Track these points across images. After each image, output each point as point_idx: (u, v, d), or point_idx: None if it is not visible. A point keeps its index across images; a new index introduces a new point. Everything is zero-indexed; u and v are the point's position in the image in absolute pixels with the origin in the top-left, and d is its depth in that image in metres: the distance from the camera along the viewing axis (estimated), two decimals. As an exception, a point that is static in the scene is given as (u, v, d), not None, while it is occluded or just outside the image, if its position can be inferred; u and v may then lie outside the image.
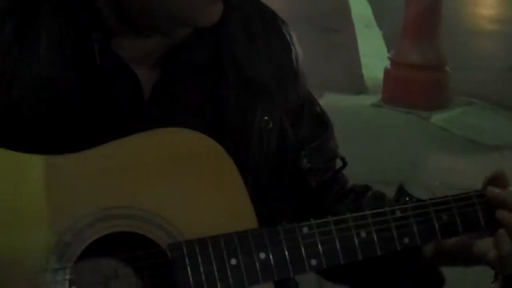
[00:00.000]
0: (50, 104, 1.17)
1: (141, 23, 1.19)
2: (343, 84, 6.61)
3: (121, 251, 1.12)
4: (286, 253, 1.14)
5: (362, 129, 5.19)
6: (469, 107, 6.03)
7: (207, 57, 1.26)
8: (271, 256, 1.13)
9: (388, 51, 6.42)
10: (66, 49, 1.19)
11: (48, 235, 1.09)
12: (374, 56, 7.34)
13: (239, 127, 1.27)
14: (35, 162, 1.11)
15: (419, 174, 4.71)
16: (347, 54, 7.62)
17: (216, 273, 1.11)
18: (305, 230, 1.16)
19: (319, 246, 1.16)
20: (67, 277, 1.08)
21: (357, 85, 6.66)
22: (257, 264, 1.13)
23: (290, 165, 1.35)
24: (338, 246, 1.16)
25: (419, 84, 5.83)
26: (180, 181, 1.15)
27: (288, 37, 1.37)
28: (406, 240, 1.20)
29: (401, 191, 1.28)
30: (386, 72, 6.06)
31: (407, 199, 1.25)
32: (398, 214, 1.21)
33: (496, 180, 1.26)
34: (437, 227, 1.22)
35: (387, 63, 6.09)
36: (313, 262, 1.15)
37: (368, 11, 9.64)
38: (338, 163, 1.45)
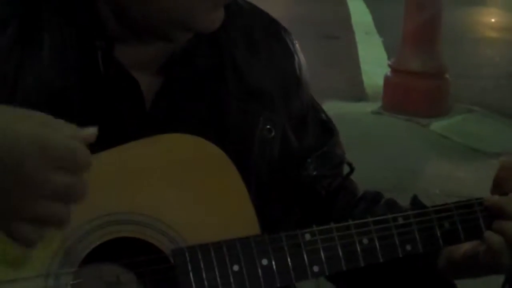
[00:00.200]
0: (51, 111, 1.17)
1: (143, 28, 1.19)
2: (343, 91, 6.62)
3: (123, 256, 1.12)
4: (289, 259, 1.14)
5: (362, 136, 5.19)
6: (469, 115, 6.04)
7: (209, 64, 1.26)
8: (273, 263, 1.13)
9: (388, 58, 6.44)
10: (68, 56, 1.19)
11: (52, 239, 1.08)
12: (374, 63, 7.36)
13: (241, 135, 1.27)
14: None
15: (419, 181, 4.71)
16: (347, 61, 7.64)
17: (218, 279, 1.11)
18: (308, 236, 1.16)
19: (322, 253, 1.16)
20: (70, 282, 1.08)
21: (357, 92, 6.68)
22: (259, 270, 1.12)
23: (295, 173, 1.35)
24: (340, 253, 1.16)
25: (419, 92, 5.85)
26: (183, 186, 1.15)
27: (290, 45, 1.37)
28: (408, 247, 1.20)
29: (415, 202, 1.28)
30: (386, 79, 6.07)
31: None
32: (400, 221, 1.21)
33: (500, 183, 1.25)
34: (439, 234, 1.22)
35: (387, 70, 6.11)
36: (315, 268, 1.15)
37: (368, 18, 9.66)
38: (346, 169, 1.45)
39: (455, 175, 4.83)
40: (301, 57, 1.38)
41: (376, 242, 1.18)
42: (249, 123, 1.28)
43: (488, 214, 1.23)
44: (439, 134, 5.62)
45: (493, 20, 10.25)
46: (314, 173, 1.37)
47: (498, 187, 1.25)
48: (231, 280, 1.11)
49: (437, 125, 5.76)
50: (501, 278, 1.30)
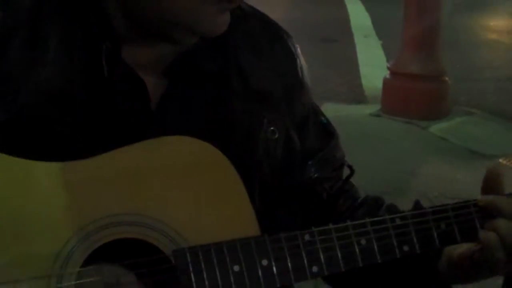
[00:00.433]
0: (57, 112, 1.18)
1: (151, 30, 1.21)
2: (342, 94, 6.63)
3: (125, 257, 1.13)
4: (288, 260, 1.15)
5: (361, 139, 5.20)
6: (468, 117, 6.05)
7: (214, 66, 1.28)
8: (273, 263, 1.14)
9: (387, 61, 6.45)
10: (74, 57, 1.20)
11: (55, 240, 1.10)
12: (373, 66, 7.37)
13: (245, 136, 1.28)
14: (42, 169, 1.13)
15: (417, 183, 4.72)
16: (346, 64, 7.65)
17: (219, 279, 1.12)
18: (307, 237, 1.17)
19: (320, 254, 1.17)
20: (72, 282, 1.09)
21: (356, 95, 6.69)
22: (259, 271, 1.13)
23: (298, 175, 1.36)
24: (339, 254, 1.17)
25: (418, 94, 5.86)
26: (184, 188, 1.16)
27: (292, 49, 1.38)
28: (406, 248, 1.21)
29: (417, 207, 1.29)
30: (385, 82, 6.08)
31: None
32: (398, 222, 1.22)
33: (491, 179, 1.26)
34: (435, 235, 1.23)
35: (386, 73, 6.11)
36: (315, 269, 1.16)
37: (367, 21, 9.68)
38: (345, 172, 1.46)
39: (454, 177, 4.84)
40: (303, 61, 1.40)
41: (374, 242, 1.19)
42: (253, 124, 1.29)
43: (483, 215, 1.24)
44: (438, 136, 5.63)
45: (492, 23, 10.26)
46: (315, 175, 1.39)
47: (487, 191, 1.26)
48: (232, 280, 1.12)
49: (436, 127, 5.76)
50: (499, 281, 1.31)
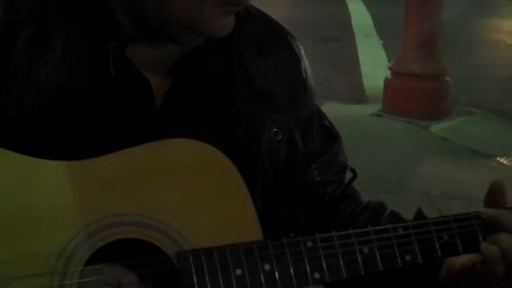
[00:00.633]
0: (61, 110, 1.19)
1: (155, 30, 1.21)
2: (343, 93, 6.63)
3: (127, 257, 1.14)
4: (290, 266, 1.15)
5: (361, 138, 5.20)
6: (469, 117, 6.05)
7: (218, 67, 1.28)
8: (275, 268, 1.15)
9: (389, 60, 6.45)
10: (80, 56, 1.21)
11: (58, 238, 1.10)
12: (374, 65, 7.37)
13: (249, 137, 1.28)
14: (48, 167, 1.13)
15: (418, 183, 4.72)
16: (348, 63, 7.65)
17: (221, 283, 1.12)
18: (309, 244, 1.17)
19: (323, 260, 1.17)
20: (75, 280, 1.09)
21: (358, 95, 6.69)
22: (261, 275, 1.14)
23: (300, 177, 1.36)
24: (341, 261, 1.18)
25: (419, 94, 5.85)
26: (188, 191, 1.17)
27: (296, 50, 1.39)
28: (408, 257, 1.22)
29: (419, 215, 1.30)
30: (387, 81, 6.07)
31: None
32: (400, 231, 1.22)
33: (494, 193, 1.28)
34: (437, 246, 1.24)
35: (387, 73, 6.11)
36: (317, 275, 1.17)
37: (368, 21, 9.68)
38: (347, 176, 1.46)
39: (455, 177, 4.83)
40: (307, 62, 1.40)
41: (376, 251, 1.20)
42: (256, 125, 1.29)
43: (485, 227, 1.26)
44: (439, 136, 5.63)
45: (494, 23, 10.26)
46: (318, 178, 1.39)
47: (489, 203, 1.27)
48: (234, 284, 1.13)
49: (437, 127, 5.76)
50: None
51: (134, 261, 1.13)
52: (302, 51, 1.41)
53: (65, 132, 1.18)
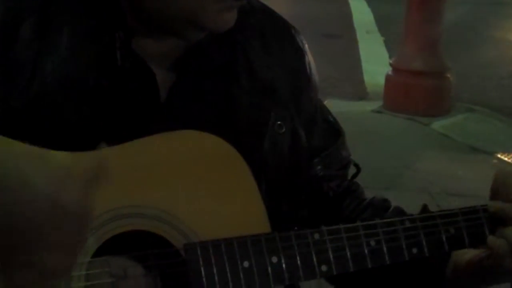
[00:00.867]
0: (67, 100, 1.19)
1: (157, 24, 1.22)
2: (344, 90, 6.63)
3: (134, 249, 1.14)
4: (298, 258, 1.16)
5: (362, 135, 5.20)
6: (470, 114, 6.05)
7: (222, 60, 1.28)
8: (283, 261, 1.15)
9: (390, 57, 6.45)
10: (86, 47, 1.21)
11: None
12: (375, 62, 7.37)
13: (252, 130, 1.28)
14: (56, 158, 1.13)
15: (419, 180, 4.72)
16: (349, 60, 7.65)
17: (228, 275, 1.12)
18: (317, 236, 1.17)
19: (330, 253, 1.17)
20: (83, 272, 1.10)
21: (358, 91, 6.69)
22: (269, 267, 1.14)
23: (304, 171, 1.37)
24: (348, 254, 1.18)
25: (420, 91, 5.85)
26: (195, 183, 1.17)
27: (301, 44, 1.39)
28: (415, 250, 1.22)
29: (425, 211, 1.30)
30: (388, 78, 6.07)
31: None
32: (407, 224, 1.22)
33: (499, 185, 1.27)
34: (444, 239, 1.23)
35: (388, 69, 6.11)
36: (324, 268, 1.17)
37: (369, 17, 9.67)
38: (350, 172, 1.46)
39: (455, 174, 4.84)
40: (311, 57, 1.40)
41: (383, 244, 1.20)
42: (260, 118, 1.29)
43: (492, 220, 1.25)
44: (440, 133, 5.63)
45: (495, 19, 10.25)
46: (321, 173, 1.39)
47: (496, 194, 1.26)
48: (241, 276, 1.13)
49: (438, 124, 5.77)
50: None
51: (141, 253, 1.14)
52: (306, 46, 1.41)
53: (71, 122, 1.19)
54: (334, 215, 1.40)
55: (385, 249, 1.20)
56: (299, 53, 1.38)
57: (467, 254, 1.27)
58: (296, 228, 1.18)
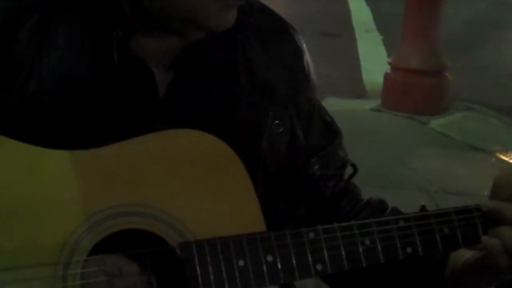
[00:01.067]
0: (65, 99, 1.20)
1: (157, 23, 1.22)
2: (343, 89, 6.62)
3: (130, 248, 1.14)
4: (293, 257, 1.16)
5: (361, 134, 5.20)
6: (469, 112, 6.05)
7: (222, 59, 1.29)
8: (278, 260, 1.15)
9: (388, 56, 6.44)
10: (84, 46, 1.22)
11: (62, 228, 1.11)
12: (374, 60, 7.37)
13: (250, 129, 1.29)
14: (52, 156, 1.13)
15: (417, 178, 4.72)
16: (347, 58, 7.65)
17: (224, 273, 1.13)
18: (312, 235, 1.18)
19: (325, 252, 1.18)
20: (78, 270, 1.10)
21: (357, 90, 6.68)
22: (264, 266, 1.15)
23: (301, 170, 1.37)
24: (343, 253, 1.18)
25: (419, 89, 5.86)
26: (191, 182, 1.17)
27: (299, 44, 1.39)
28: (409, 249, 1.22)
29: (423, 211, 1.30)
30: (386, 76, 6.07)
31: None
32: (402, 223, 1.23)
33: (498, 187, 1.26)
34: (438, 238, 1.24)
35: (387, 68, 6.11)
36: (319, 267, 1.17)
37: (368, 16, 9.67)
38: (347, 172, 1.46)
39: (454, 172, 4.84)
40: (309, 57, 1.40)
41: (377, 243, 1.20)
42: (258, 117, 1.30)
43: (486, 220, 1.25)
44: (439, 131, 5.63)
45: (493, 18, 10.25)
46: (319, 173, 1.39)
47: (496, 194, 1.26)
48: (237, 274, 1.13)
49: (437, 122, 5.77)
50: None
51: (136, 251, 1.14)
52: (304, 45, 1.41)
53: (68, 121, 1.19)
54: (331, 215, 1.40)
55: (379, 248, 1.20)
56: (298, 52, 1.39)
57: (464, 256, 1.27)
58: (291, 227, 1.18)
